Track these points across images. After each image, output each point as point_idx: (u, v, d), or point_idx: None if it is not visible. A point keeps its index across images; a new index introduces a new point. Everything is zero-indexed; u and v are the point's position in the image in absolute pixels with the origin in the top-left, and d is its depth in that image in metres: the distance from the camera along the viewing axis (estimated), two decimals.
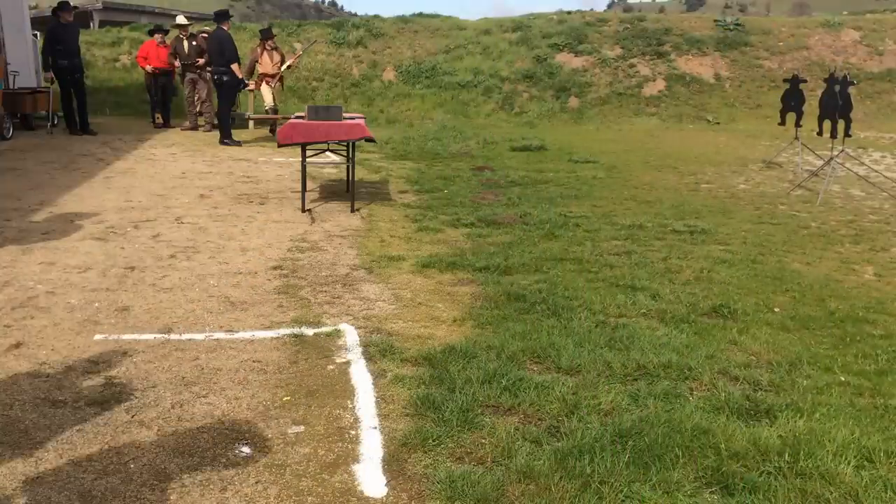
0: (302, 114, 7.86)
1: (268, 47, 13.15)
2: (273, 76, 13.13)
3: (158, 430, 2.95)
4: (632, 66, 19.72)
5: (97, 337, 3.93)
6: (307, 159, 7.54)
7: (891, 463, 2.73)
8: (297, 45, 18.26)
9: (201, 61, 13.33)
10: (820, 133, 9.64)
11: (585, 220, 7.03)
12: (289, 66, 13.57)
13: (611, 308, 4.50)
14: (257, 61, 13.17)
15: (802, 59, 19.76)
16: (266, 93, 13.21)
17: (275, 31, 14.82)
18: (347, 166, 8.07)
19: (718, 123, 17.63)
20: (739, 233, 6.77)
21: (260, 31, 14.43)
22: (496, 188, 8.83)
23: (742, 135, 15.36)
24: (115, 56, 19.21)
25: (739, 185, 9.63)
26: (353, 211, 7.35)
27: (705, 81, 19.39)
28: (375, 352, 3.77)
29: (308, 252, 5.78)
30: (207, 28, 14.82)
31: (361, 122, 7.66)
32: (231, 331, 4.05)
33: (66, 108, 12.44)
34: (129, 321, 4.16)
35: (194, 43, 13.57)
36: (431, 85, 18.72)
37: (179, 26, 13.81)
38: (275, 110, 13.20)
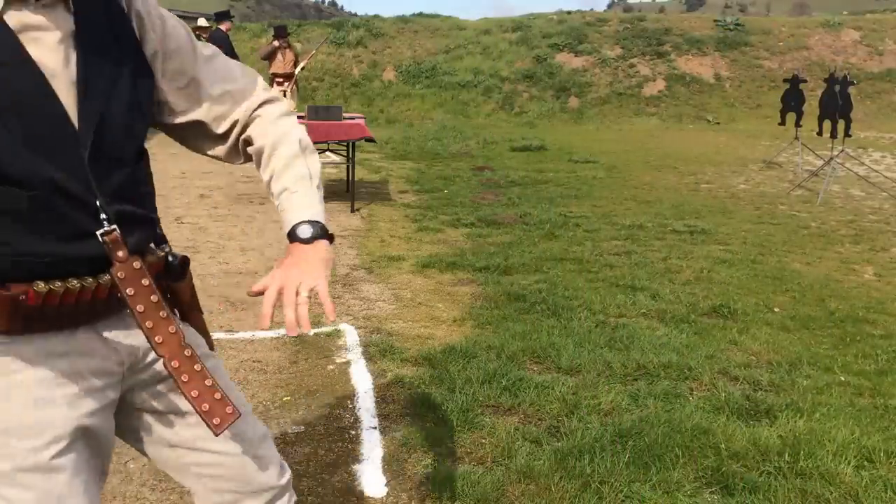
0: (302, 114, 7.86)
1: (281, 45, 12.38)
2: (285, 77, 12.52)
3: None
4: (632, 66, 19.73)
5: None
6: None
7: (891, 463, 2.73)
8: (298, 45, 18.25)
9: None
10: (820, 133, 9.65)
11: (585, 220, 7.03)
12: (303, 68, 12.85)
13: (611, 308, 4.49)
14: (275, 53, 12.31)
15: (802, 59, 19.77)
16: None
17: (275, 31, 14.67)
18: (347, 166, 8.07)
19: (718, 123, 17.65)
20: (739, 233, 6.77)
21: (274, 27, 14.04)
22: (496, 188, 8.83)
23: (742, 135, 15.37)
24: None
25: (739, 185, 9.63)
26: (353, 211, 7.35)
27: (705, 81, 19.41)
28: (375, 352, 3.77)
29: None
30: (204, 24, 14.77)
31: (361, 122, 7.67)
32: (231, 331, 4.05)
33: None
34: None
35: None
36: (431, 85, 18.74)
37: (200, 28, 13.81)
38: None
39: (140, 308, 1.23)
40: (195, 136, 1.43)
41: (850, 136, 9.20)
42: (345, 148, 8.14)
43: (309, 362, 3.67)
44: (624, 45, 20.31)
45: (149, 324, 1.23)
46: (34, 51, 1.12)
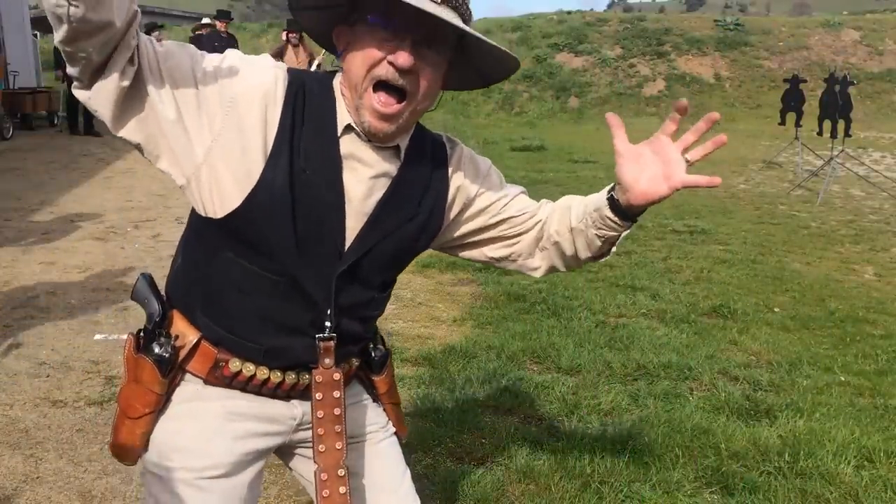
0: None
1: (291, 41, 11.17)
2: None
3: None
4: (632, 66, 19.73)
5: (97, 337, 3.93)
6: None
7: (891, 463, 2.73)
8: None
9: None
10: (820, 133, 9.65)
11: None
12: (318, 66, 11.52)
13: (611, 308, 4.49)
14: (283, 52, 11.11)
15: (802, 59, 19.77)
16: None
17: (275, 31, 14.43)
18: None
19: (718, 123, 17.63)
20: (739, 233, 6.77)
21: (287, 20, 12.90)
22: None
23: (742, 135, 15.37)
24: None
25: (739, 185, 9.64)
26: None
27: (705, 81, 19.41)
28: None
29: None
30: (207, 21, 14.76)
31: None
32: None
33: (74, 107, 12.37)
34: (129, 321, 4.16)
35: (216, 44, 13.48)
36: None
37: (204, 26, 13.82)
38: None
39: (320, 414, 1.31)
40: (487, 248, 1.47)
41: (850, 136, 9.21)
42: None
43: None
44: (624, 45, 20.31)
45: (321, 430, 1.31)
46: (347, 176, 1.23)
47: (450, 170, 1.36)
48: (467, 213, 1.41)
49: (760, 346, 3.99)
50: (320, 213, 1.22)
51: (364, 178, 1.25)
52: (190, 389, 1.32)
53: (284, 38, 11.22)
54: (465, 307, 4.50)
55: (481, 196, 1.40)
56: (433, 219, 1.35)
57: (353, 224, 1.25)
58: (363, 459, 1.44)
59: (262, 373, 1.29)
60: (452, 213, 1.39)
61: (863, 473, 2.64)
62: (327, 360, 1.29)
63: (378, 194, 1.26)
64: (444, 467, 2.68)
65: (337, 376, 1.30)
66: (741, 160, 11.74)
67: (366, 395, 1.48)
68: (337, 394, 1.31)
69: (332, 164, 1.22)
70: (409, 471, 1.50)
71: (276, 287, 1.24)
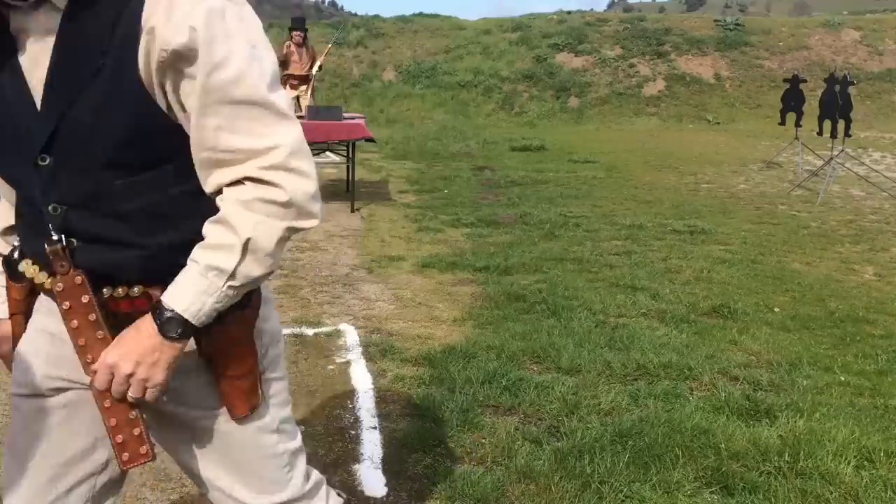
0: (302, 114, 7.86)
1: (295, 42, 10.53)
2: (300, 80, 10.58)
3: None
4: (632, 66, 19.73)
5: None
6: None
7: (891, 463, 2.73)
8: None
9: None
10: (820, 133, 9.65)
11: (585, 220, 7.03)
12: (320, 68, 10.88)
13: (611, 308, 4.49)
14: (288, 55, 10.46)
15: (802, 59, 19.77)
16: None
17: (275, 31, 14.30)
18: (347, 166, 8.07)
19: (718, 123, 17.65)
20: (739, 233, 6.77)
21: (292, 18, 12.30)
22: (496, 188, 8.83)
23: (742, 135, 15.38)
24: None
25: (739, 185, 9.64)
26: (353, 211, 7.35)
27: (705, 81, 19.40)
28: (375, 352, 3.77)
29: (308, 252, 5.78)
30: None
31: (361, 122, 7.67)
32: None
33: None
34: None
35: None
36: (431, 85, 18.74)
37: None
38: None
39: (74, 324, 1.16)
40: None
41: (850, 136, 9.20)
42: (345, 148, 8.14)
43: (309, 362, 3.67)
44: (624, 45, 20.31)
45: (81, 341, 1.17)
46: (20, 53, 1.12)
47: (144, 9, 1.08)
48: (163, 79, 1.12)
49: (760, 346, 3.99)
50: (4, 101, 1.13)
51: (28, 48, 1.10)
52: (40, 300, 1.27)
53: (289, 43, 10.60)
54: (465, 307, 4.50)
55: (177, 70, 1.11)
56: (126, 70, 1.09)
57: (39, 102, 1.11)
58: (174, 444, 1.31)
59: (41, 277, 1.19)
60: (153, 64, 1.09)
61: (863, 473, 2.64)
62: (60, 266, 1.14)
63: (47, 59, 1.10)
64: (444, 467, 2.68)
65: (79, 279, 1.14)
66: (741, 160, 11.74)
67: (188, 361, 1.21)
68: (86, 298, 1.14)
69: (4, 46, 1.11)
70: (244, 465, 1.34)
71: (16, 193, 1.21)
